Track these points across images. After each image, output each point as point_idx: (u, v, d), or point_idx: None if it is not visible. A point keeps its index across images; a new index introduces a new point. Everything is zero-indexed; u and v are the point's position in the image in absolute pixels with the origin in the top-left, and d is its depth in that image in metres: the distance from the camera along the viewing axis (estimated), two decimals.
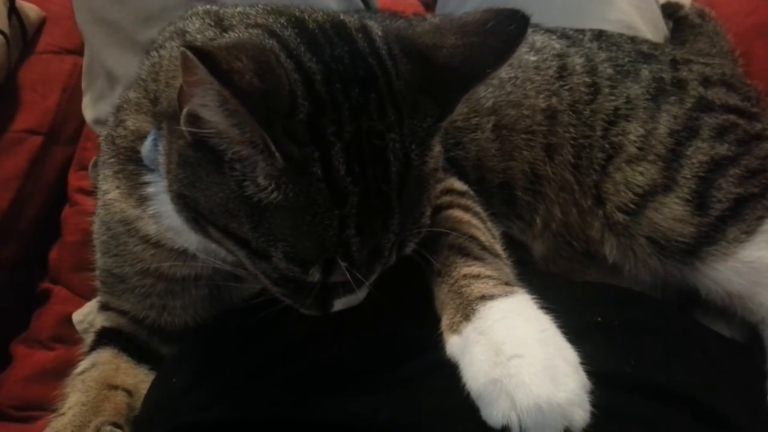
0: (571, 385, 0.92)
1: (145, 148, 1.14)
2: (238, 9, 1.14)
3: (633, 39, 1.64)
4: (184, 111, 0.94)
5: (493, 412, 0.92)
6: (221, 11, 1.15)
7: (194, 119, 0.93)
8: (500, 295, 1.03)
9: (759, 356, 1.34)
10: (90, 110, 2.03)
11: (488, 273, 1.08)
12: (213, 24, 1.09)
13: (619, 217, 1.41)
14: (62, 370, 1.36)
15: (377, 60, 1.00)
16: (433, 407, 1.02)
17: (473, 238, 1.16)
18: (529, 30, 1.51)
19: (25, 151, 2.11)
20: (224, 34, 1.04)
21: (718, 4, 2.01)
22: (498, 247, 1.20)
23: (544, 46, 1.54)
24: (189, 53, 0.84)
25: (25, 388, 1.86)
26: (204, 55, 0.85)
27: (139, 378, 1.30)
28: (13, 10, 2.17)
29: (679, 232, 1.37)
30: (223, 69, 0.85)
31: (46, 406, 1.30)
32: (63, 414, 1.23)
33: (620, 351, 1.10)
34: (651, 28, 1.96)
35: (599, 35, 1.62)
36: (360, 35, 1.03)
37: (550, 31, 1.60)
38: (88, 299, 1.81)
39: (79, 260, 1.69)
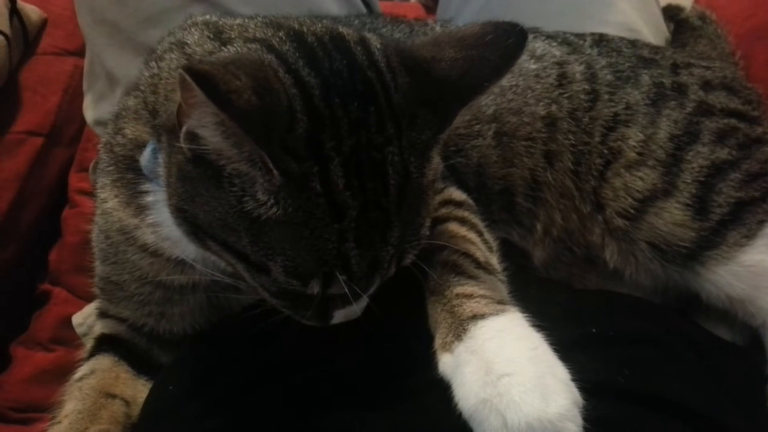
0: (562, 402, 0.93)
1: (144, 158, 1.14)
2: (237, 21, 1.14)
3: (634, 43, 1.64)
4: (183, 129, 0.93)
5: None
6: (220, 23, 1.14)
7: (193, 137, 0.93)
8: (491, 314, 1.04)
9: (760, 360, 1.34)
10: (91, 111, 2.02)
11: (481, 292, 1.08)
12: (212, 36, 1.09)
13: (620, 222, 1.41)
14: (62, 372, 1.36)
15: (376, 73, 0.99)
16: (428, 425, 1.03)
17: (468, 254, 1.16)
18: (530, 36, 1.52)
19: (25, 152, 2.11)
20: (223, 48, 1.04)
21: (719, 6, 2.01)
22: (494, 261, 1.21)
23: (545, 54, 1.54)
24: (186, 76, 0.84)
25: (24, 389, 1.86)
26: (202, 77, 0.84)
27: (137, 388, 1.30)
28: (14, 12, 2.17)
29: (679, 237, 1.37)
30: (221, 90, 0.84)
31: (45, 408, 1.30)
32: (59, 422, 1.23)
33: (614, 361, 1.10)
34: (652, 30, 1.96)
35: (600, 40, 1.61)
36: (359, 48, 1.02)
37: (551, 36, 1.60)
38: (88, 301, 1.81)
39: (79, 262, 1.70)
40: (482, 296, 1.08)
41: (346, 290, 0.97)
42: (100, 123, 1.93)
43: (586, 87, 1.48)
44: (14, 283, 2.04)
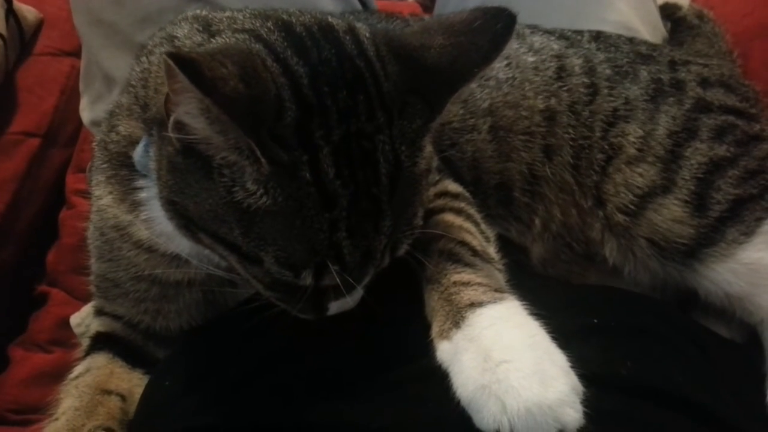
0: (561, 388, 0.92)
1: (137, 153, 1.14)
2: (227, 14, 1.14)
3: (631, 40, 1.64)
4: (171, 118, 0.93)
5: (485, 418, 0.92)
6: (210, 16, 1.14)
7: (181, 126, 0.93)
8: (489, 302, 1.03)
9: (758, 357, 1.34)
10: (87, 112, 2.02)
11: (478, 280, 1.08)
12: (201, 29, 1.09)
13: (620, 218, 1.40)
14: (60, 373, 1.36)
15: (365, 62, 0.99)
16: (427, 414, 1.02)
17: (464, 243, 1.16)
18: (528, 31, 1.52)
19: (22, 153, 2.11)
20: (212, 39, 1.04)
21: (716, 4, 2.01)
22: (491, 251, 1.20)
23: (543, 47, 1.54)
24: (170, 61, 0.84)
25: (22, 391, 1.85)
26: (186, 63, 0.84)
27: (133, 382, 1.30)
28: (10, 12, 2.17)
29: (678, 234, 1.37)
30: (206, 76, 0.84)
31: (43, 410, 1.29)
32: (56, 419, 1.23)
33: (616, 353, 1.10)
34: (649, 28, 1.96)
35: (597, 36, 1.61)
36: (348, 37, 1.02)
37: (548, 32, 1.60)
38: (86, 302, 1.80)
39: (77, 262, 1.68)
40: (480, 284, 1.07)
41: (339, 281, 0.96)
42: (96, 124, 1.92)
43: (586, 80, 1.48)
44: (12, 284, 2.04)
